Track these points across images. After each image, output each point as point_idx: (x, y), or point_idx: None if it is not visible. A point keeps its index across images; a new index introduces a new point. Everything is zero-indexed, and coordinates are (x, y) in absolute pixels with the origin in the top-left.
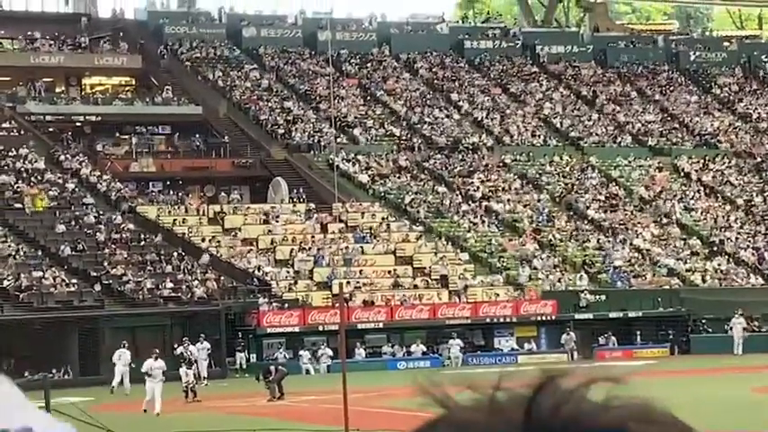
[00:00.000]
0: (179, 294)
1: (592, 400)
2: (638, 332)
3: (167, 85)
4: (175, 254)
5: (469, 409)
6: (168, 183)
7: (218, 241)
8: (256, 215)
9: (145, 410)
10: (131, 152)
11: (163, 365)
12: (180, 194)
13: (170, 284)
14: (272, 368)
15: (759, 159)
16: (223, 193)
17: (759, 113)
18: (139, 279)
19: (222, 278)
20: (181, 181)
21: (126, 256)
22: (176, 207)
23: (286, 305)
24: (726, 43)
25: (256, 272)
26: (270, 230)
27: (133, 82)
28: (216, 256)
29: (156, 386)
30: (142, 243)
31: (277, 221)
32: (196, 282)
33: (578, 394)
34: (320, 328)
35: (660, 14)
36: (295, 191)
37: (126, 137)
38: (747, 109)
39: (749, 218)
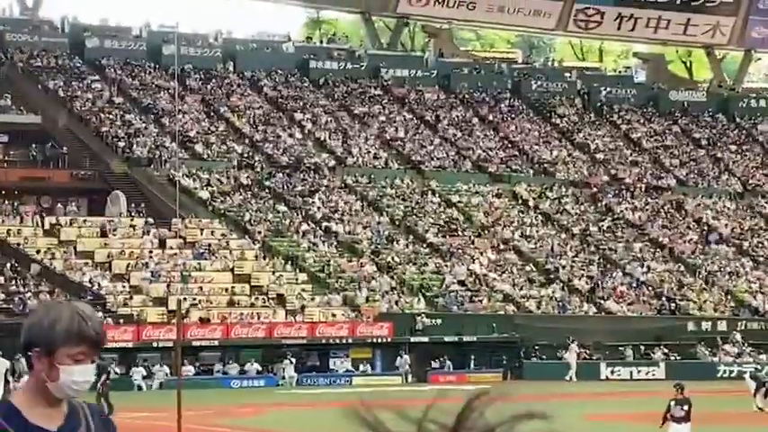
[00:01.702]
0: (10, 306)
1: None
2: (473, 356)
3: (6, 92)
4: (8, 265)
5: None
6: (3, 192)
7: (53, 253)
8: (93, 228)
9: None
10: None
11: (6, 363)
12: (15, 205)
13: (1, 296)
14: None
15: (595, 189)
16: (60, 205)
17: (597, 144)
18: None
19: (56, 291)
20: (17, 191)
21: None
22: (10, 217)
23: (121, 320)
24: (567, 74)
25: (91, 286)
26: (106, 244)
27: None
28: (50, 268)
29: None
30: None
31: (114, 235)
32: (29, 294)
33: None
34: (154, 345)
35: (504, 43)
36: (134, 205)
37: None
38: (586, 139)
39: (584, 246)
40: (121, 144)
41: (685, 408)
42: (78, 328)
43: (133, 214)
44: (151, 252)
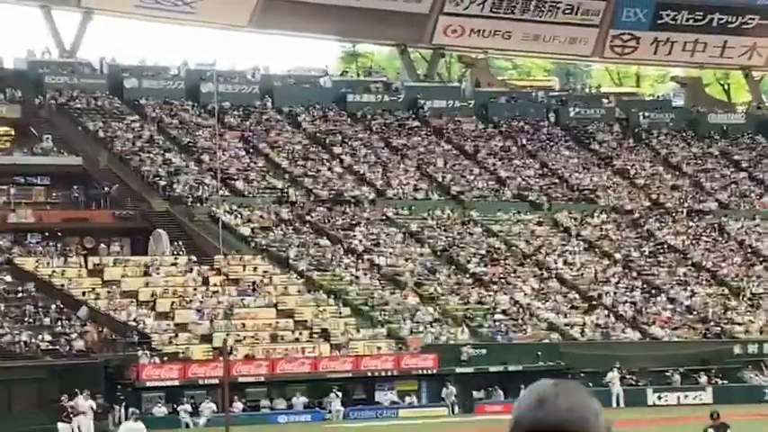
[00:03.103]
0: (57, 347)
1: None
2: (522, 386)
3: (47, 134)
4: (54, 306)
5: None
6: (47, 234)
7: (98, 293)
8: (136, 267)
9: None
10: (9, 203)
11: (142, 428)
12: (59, 246)
13: (48, 337)
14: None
15: (637, 215)
16: (103, 245)
17: (636, 170)
18: (17, 332)
19: (102, 331)
20: (60, 232)
21: (2, 308)
22: (55, 259)
23: (166, 358)
24: (604, 100)
25: (136, 325)
26: (150, 283)
27: (12, 132)
28: (95, 308)
29: None
30: (19, 295)
31: (158, 274)
32: (75, 334)
33: None
34: (200, 382)
35: (540, 71)
36: (176, 243)
37: (4, 187)
38: (625, 165)
39: (626, 272)
40: (162, 183)
41: None
42: None
43: (176, 252)
44: (195, 290)
